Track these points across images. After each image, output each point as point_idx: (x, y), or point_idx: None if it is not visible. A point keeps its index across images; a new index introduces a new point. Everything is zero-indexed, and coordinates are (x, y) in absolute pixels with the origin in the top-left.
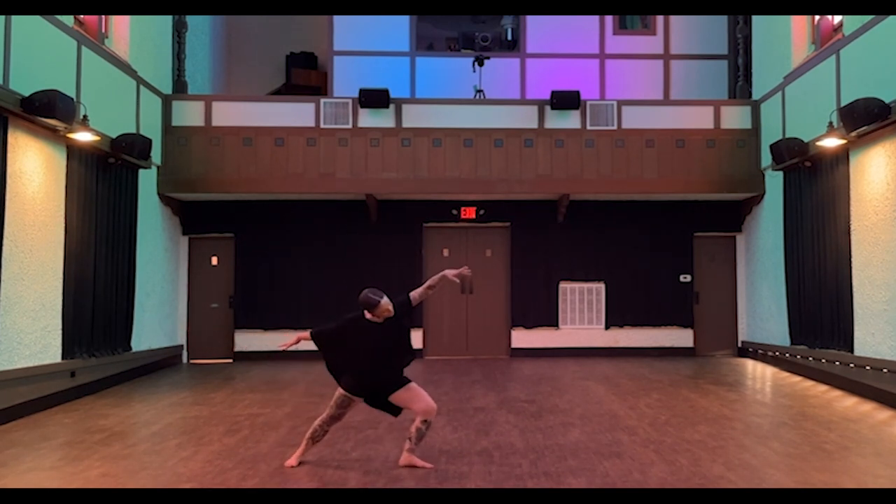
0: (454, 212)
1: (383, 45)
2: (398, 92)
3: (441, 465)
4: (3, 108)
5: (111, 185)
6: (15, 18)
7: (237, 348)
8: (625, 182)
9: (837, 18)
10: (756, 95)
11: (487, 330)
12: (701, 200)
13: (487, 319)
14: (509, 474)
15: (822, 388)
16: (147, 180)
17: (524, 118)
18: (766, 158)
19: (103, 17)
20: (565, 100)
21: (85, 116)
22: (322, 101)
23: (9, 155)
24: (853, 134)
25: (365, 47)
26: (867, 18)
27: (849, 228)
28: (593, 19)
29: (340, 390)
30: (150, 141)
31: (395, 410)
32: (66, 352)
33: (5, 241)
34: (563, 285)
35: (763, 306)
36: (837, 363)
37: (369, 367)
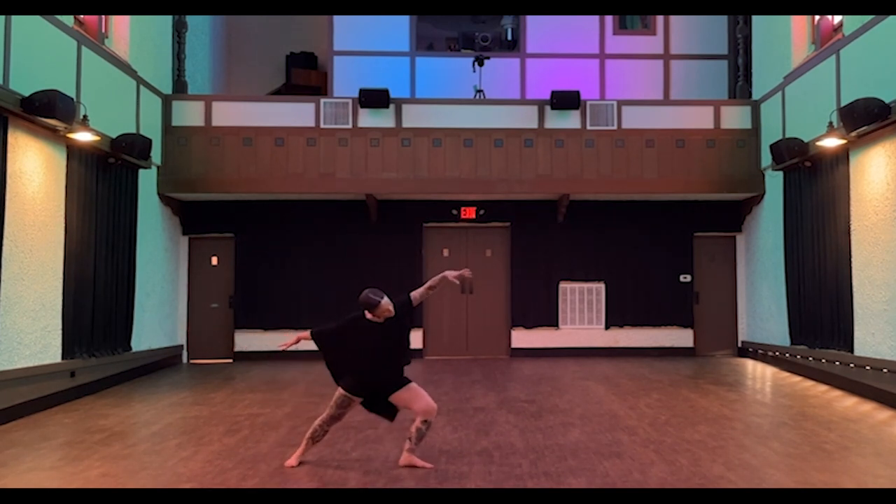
0: (454, 212)
1: (383, 45)
2: (398, 92)
3: (441, 465)
4: (3, 108)
5: (111, 185)
6: (15, 18)
7: (237, 348)
8: (625, 182)
9: (837, 18)
10: (756, 95)
11: (487, 330)
12: (701, 200)
13: (487, 319)
14: (509, 474)
15: (822, 388)
16: (147, 180)
17: (524, 118)
18: (766, 158)
19: (103, 17)
20: (565, 100)
21: (85, 116)
22: (322, 101)
23: (9, 155)
24: (853, 134)
25: (365, 47)
26: (867, 18)
27: (849, 228)
28: (593, 19)
29: (340, 390)
30: (150, 141)
31: (391, 415)
32: (66, 352)
33: (5, 241)
34: (563, 285)
35: (763, 306)
36: (837, 363)
37: (370, 367)
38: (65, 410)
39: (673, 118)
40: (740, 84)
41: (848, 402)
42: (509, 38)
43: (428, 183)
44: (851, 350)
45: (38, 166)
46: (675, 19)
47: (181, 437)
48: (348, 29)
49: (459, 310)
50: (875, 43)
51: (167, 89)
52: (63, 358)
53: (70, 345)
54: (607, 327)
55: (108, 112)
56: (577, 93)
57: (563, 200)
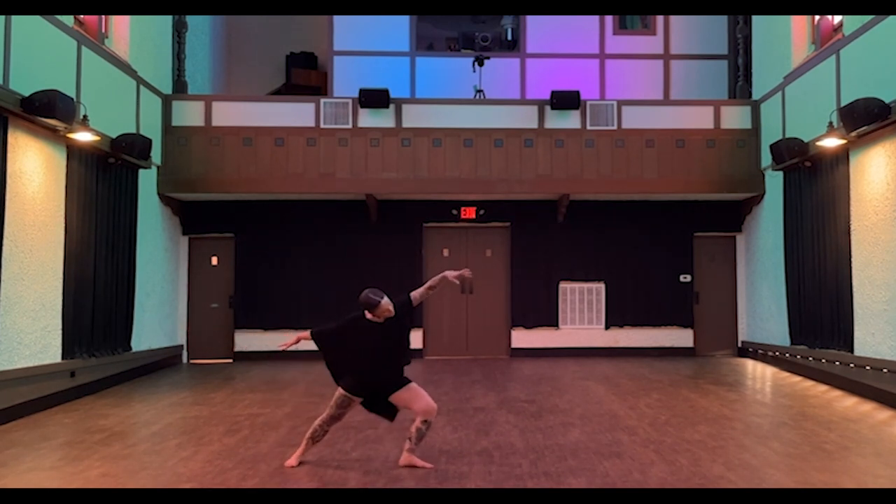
0: (454, 212)
1: (383, 45)
2: (398, 92)
3: (441, 465)
4: (3, 108)
5: (111, 185)
6: (15, 18)
7: (237, 348)
8: (625, 182)
9: (837, 18)
10: (756, 95)
11: (487, 330)
12: (701, 200)
13: (487, 319)
14: (509, 474)
15: (822, 388)
16: (147, 180)
17: (524, 118)
18: (766, 158)
19: (103, 17)
20: (565, 100)
21: (85, 116)
22: (322, 101)
23: (9, 155)
24: (853, 134)
25: (365, 47)
26: (867, 18)
27: (849, 228)
28: (593, 19)
29: (340, 390)
30: (150, 141)
31: (391, 415)
32: (66, 352)
33: (5, 241)
34: (563, 285)
35: (763, 306)
36: (837, 363)
37: (370, 366)
38: (65, 410)
39: (673, 118)
40: (740, 84)
41: (848, 402)
42: (509, 38)
43: (428, 183)
44: (851, 350)
45: (38, 166)
46: (675, 19)
47: (181, 437)
48: (348, 29)
49: (459, 310)
50: (875, 43)
51: (167, 89)
52: (63, 358)
53: (70, 345)
54: (607, 327)
55: (108, 112)
56: (577, 93)
57: (563, 200)
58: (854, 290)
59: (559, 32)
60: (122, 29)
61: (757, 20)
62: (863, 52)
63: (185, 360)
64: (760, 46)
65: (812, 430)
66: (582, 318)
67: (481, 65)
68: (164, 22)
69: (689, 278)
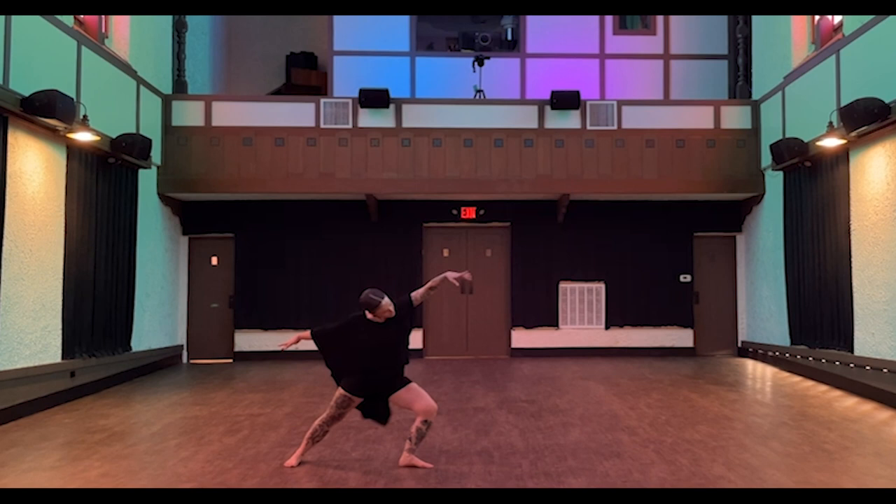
0: (454, 212)
1: (383, 45)
2: (398, 92)
3: (441, 465)
4: (3, 108)
5: (111, 185)
6: (15, 18)
7: (237, 348)
8: (625, 182)
9: (837, 18)
10: (756, 95)
11: (487, 330)
12: (701, 200)
13: (487, 319)
14: (509, 474)
15: (822, 388)
16: (147, 180)
17: (524, 118)
18: (766, 158)
19: (103, 17)
20: (565, 100)
21: (85, 116)
22: (322, 101)
23: (9, 155)
24: (853, 134)
25: (365, 47)
26: (867, 18)
27: (849, 228)
28: (593, 19)
29: (341, 390)
30: (150, 141)
31: (384, 418)
32: (66, 352)
33: (5, 241)
34: (563, 285)
35: (763, 306)
36: (837, 363)
37: (370, 366)
38: (65, 410)
39: (673, 118)
40: (740, 84)
41: (848, 402)
42: (509, 38)
43: (428, 183)
44: (851, 350)
45: (38, 166)
46: (675, 19)
47: (181, 437)
48: (348, 29)
49: (459, 310)
50: (875, 43)
51: (167, 89)
52: (63, 358)
53: (70, 345)
54: (607, 327)
55: (108, 112)
56: (577, 93)
57: (563, 200)
58: (854, 290)
59: (559, 32)
60: (122, 29)
61: (757, 20)
62: (863, 52)
63: (185, 360)
64: (760, 46)
65: (812, 430)
66: (582, 318)
67: (481, 65)
68: (164, 22)
69: (689, 278)
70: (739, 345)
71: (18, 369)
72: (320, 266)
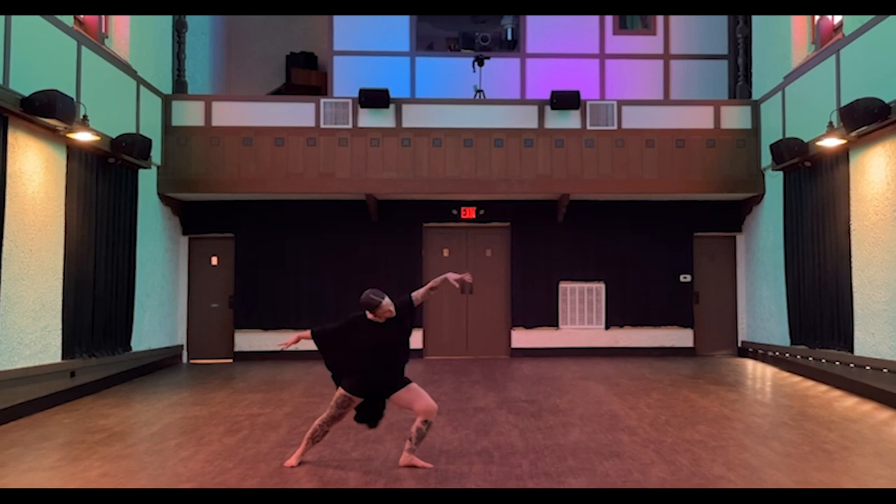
0: (454, 212)
1: (383, 45)
2: (398, 92)
3: (441, 465)
4: (3, 108)
5: (111, 185)
6: (15, 18)
7: (237, 348)
8: (625, 182)
9: (837, 18)
10: (756, 95)
11: (487, 330)
12: (701, 200)
13: (487, 319)
14: (509, 474)
15: (822, 388)
16: (147, 180)
17: (524, 118)
18: (766, 158)
19: (103, 17)
20: (565, 100)
21: (85, 116)
22: (322, 101)
23: (9, 155)
24: (853, 134)
25: (365, 47)
26: (867, 18)
27: (849, 228)
28: (593, 19)
29: (341, 390)
30: (150, 141)
31: (374, 421)
32: (66, 352)
33: (5, 241)
34: (563, 285)
35: (763, 306)
36: (837, 363)
37: (370, 366)
38: (65, 410)
39: (673, 118)
40: (740, 84)
41: (848, 402)
42: (509, 38)
43: (428, 183)
44: (851, 350)
45: (38, 166)
46: (675, 19)
47: (181, 437)
48: (348, 29)
49: (459, 310)
50: (875, 43)
51: (167, 89)
52: (63, 358)
53: (70, 345)
54: (607, 327)
55: (108, 112)
56: (577, 93)
57: (563, 200)
58: (854, 290)
59: (559, 32)
60: (122, 29)
61: (757, 20)
62: (863, 52)
63: (185, 360)
64: (760, 46)
65: (812, 430)
66: (582, 318)
67: (481, 65)
68: (164, 22)
69: (689, 278)
70: (739, 345)
71: (18, 369)
72: (320, 266)
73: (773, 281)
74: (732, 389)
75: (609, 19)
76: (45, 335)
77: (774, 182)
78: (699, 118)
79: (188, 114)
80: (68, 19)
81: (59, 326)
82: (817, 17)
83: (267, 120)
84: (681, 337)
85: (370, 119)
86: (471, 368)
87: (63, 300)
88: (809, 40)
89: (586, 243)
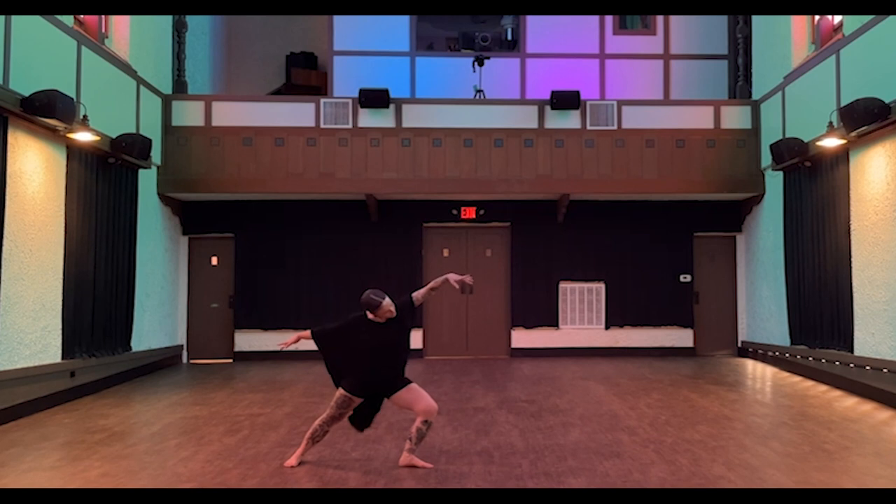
0: (454, 212)
1: (383, 45)
2: (398, 92)
3: (441, 465)
4: (3, 108)
5: (111, 185)
6: (15, 18)
7: (237, 348)
8: (625, 182)
9: (837, 18)
10: (756, 95)
11: (487, 330)
12: (701, 200)
13: (487, 319)
14: (509, 474)
15: (822, 388)
16: (147, 180)
17: (524, 118)
18: (766, 158)
19: (103, 17)
20: (565, 100)
21: (85, 116)
22: (322, 101)
23: (9, 155)
24: (853, 134)
25: (365, 47)
26: (867, 18)
27: (849, 228)
28: (593, 19)
29: (341, 391)
30: (150, 141)
31: (362, 424)
32: (66, 352)
33: (5, 241)
34: (563, 285)
35: (763, 306)
36: (837, 363)
37: (371, 367)
38: (65, 410)
39: (673, 118)
40: (740, 84)
41: (848, 402)
42: (509, 38)
43: (428, 183)
44: (851, 350)
45: (38, 166)
46: (675, 19)
47: (181, 437)
48: (348, 29)
49: (459, 310)
50: (875, 43)
51: (167, 89)
52: (63, 358)
53: (70, 345)
54: (607, 327)
55: (108, 112)
56: (577, 93)
57: (563, 200)
58: (854, 290)
59: (559, 32)
60: (122, 29)
61: (757, 20)
62: (863, 52)
63: (185, 360)
64: (760, 46)
65: (812, 430)
66: (582, 318)
67: (481, 65)
68: (164, 22)
69: (689, 278)
70: (739, 345)
71: (18, 369)
72: (320, 266)
73: (773, 281)
74: (732, 389)
75: (609, 19)
76: (45, 335)
77: (774, 182)
78: (699, 118)
79: (188, 114)
80: (68, 19)
81: (59, 326)
82: (817, 17)
83: (267, 120)
84: (681, 337)
85: (370, 119)
86: (471, 368)
87: (63, 300)
88: (809, 40)
89: (586, 243)
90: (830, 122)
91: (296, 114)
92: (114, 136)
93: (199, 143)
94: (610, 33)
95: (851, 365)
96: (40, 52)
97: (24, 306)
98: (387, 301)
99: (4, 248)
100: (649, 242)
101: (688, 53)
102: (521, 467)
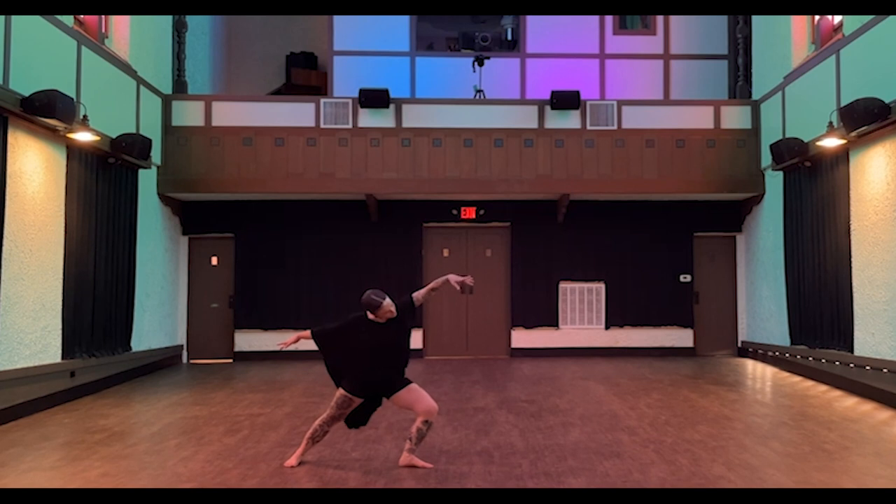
0: (454, 212)
1: (383, 45)
2: (398, 92)
3: (441, 465)
4: (3, 108)
5: (111, 185)
6: (15, 18)
7: (237, 348)
8: (625, 182)
9: (837, 18)
10: (756, 95)
11: (487, 330)
12: (701, 200)
13: (487, 319)
14: (509, 474)
15: (822, 388)
16: (147, 180)
17: (524, 118)
18: (766, 158)
19: (103, 17)
20: (565, 100)
21: (85, 116)
22: (322, 101)
23: (9, 155)
24: (853, 134)
25: (365, 47)
26: (867, 18)
27: (849, 228)
28: (593, 19)
29: (341, 391)
30: (150, 141)
31: (360, 422)
32: (66, 352)
33: (5, 241)
34: (563, 285)
35: (763, 306)
36: (837, 363)
37: (371, 367)
38: (65, 410)
39: (673, 118)
40: (740, 84)
41: (848, 402)
42: (509, 38)
43: (428, 183)
44: (851, 350)
45: (38, 166)
46: (675, 19)
47: (181, 437)
48: (348, 29)
49: (459, 310)
50: (875, 43)
51: (167, 89)
52: (63, 358)
53: (70, 345)
54: (607, 327)
55: (108, 112)
56: (577, 93)
57: (563, 200)
58: (854, 290)
59: (559, 32)
60: (122, 29)
61: (757, 20)
62: (863, 52)
63: (185, 360)
64: (760, 46)
65: (812, 430)
66: (582, 318)
67: (481, 65)
68: (164, 22)
69: (689, 278)
70: (739, 345)
71: (18, 369)
72: (320, 266)
73: (773, 281)
74: (732, 389)
75: (609, 19)
76: (45, 335)
77: (774, 182)
78: (699, 118)
79: (188, 114)
80: (68, 19)
81: (59, 326)
82: (817, 17)
83: (267, 120)
84: (681, 337)
85: (370, 119)
86: (471, 368)
87: (63, 300)
88: (809, 40)
89: (586, 243)
90: (830, 122)
91: (296, 114)
92: (114, 136)
93: (199, 143)
94: (610, 33)
95: (851, 365)
96: (40, 52)
97: (24, 306)
98: (387, 301)
99: (4, 248)
100: (649, 242)
101: (688, 53)
102: (521, 467)
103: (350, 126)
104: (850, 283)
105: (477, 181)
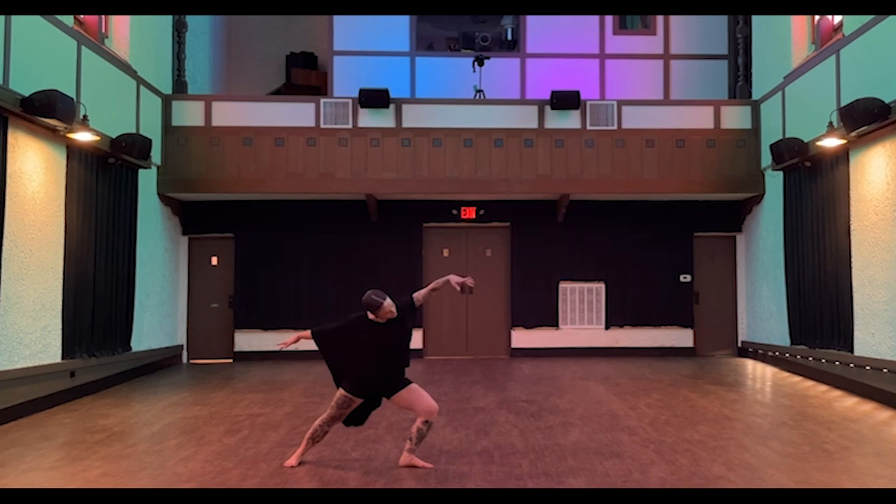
0: (454, 212)
1: (383, 45)
2: (398, 92)
3: (441, 465)
4: (3, 108)
5: (111, 185)
6: (15, 18)
7: (237, 348)
8: (625, 182)
9: (837, 18)
10: (756, 95)
11: (487, 330)
12: (701, 200)
13: (487, 319)
14: (509, 474)
15: (822, 388)
16: (147, 180)
17: (524, 118)
18: (766, 158)
19: (103, 17)
20: (565, 100)
21: (85, 116)
22: (322, 101)
23: (9, 155)
24: (853, 134)
25: (365, 47)
26: (867, 18)
27: (849, 228)
28: (593, 19)
29: (341, 391)
30: (150, 141)
31: (357, 422)
32: (66, 352)
33: (5, 241)
34: (563, 285)
35: (763, 306)
36: (837, 363)
37: (371, 367)
38: (65, 410)
39: (673, 118)
40: (740, 84)
41: (848, 402)
42: (509, 38)
43: (428, 183)
44: (851, 350)
45: (38, 166)
46: (675, 19)
47: (181, 437)
48: (348, 29)
49: (459, 310)
50: (875, 43)
51: (167, 89)
52: (63, 358)
53: (70, 345)
54: (607, 327)
55: (108, 112)
56: (577, 93)
57: (563, 200)
58: (854, 290)
59: (559, 32)
60: (122, 29)
61: (757, 20)
62: (863, 52)
63: (185, 360)
64: (760, 46)
65: (812, 430)
66: (582, 318)
67: (481, 65)
68: (164, 22)
69: (689, 278)
70: (739, 345)
71: (18, 369)
72: (320, 266)
73: (773, 281)
74: (732, 389)
75: (609, 19)
76: (45, 335)
77: (774, 182)
78: (699, 118)
79: (188, 114)
80: (68, 19)
81: (59, 326)
82: (817, 17)
83: (267, 120)
84: (681, 337)
85: (370, 119)
86: (471, 368)
87: (63, 300)
88: (809, 40)
89: (586, 243)
90: (830, 122)
91: (296, 114)
92: (114, 136)
93: (199, 143)
94: (610, 33)
95: (851, 365)
96: (40, 52)
97: (24, 306)
98: (388, 301)
99: (4, 248)
100: (649, 242)
101: (688, 53)
102: (521, 467)
103: (350, 126)
104: (850, 283)
105: (477, 181)
